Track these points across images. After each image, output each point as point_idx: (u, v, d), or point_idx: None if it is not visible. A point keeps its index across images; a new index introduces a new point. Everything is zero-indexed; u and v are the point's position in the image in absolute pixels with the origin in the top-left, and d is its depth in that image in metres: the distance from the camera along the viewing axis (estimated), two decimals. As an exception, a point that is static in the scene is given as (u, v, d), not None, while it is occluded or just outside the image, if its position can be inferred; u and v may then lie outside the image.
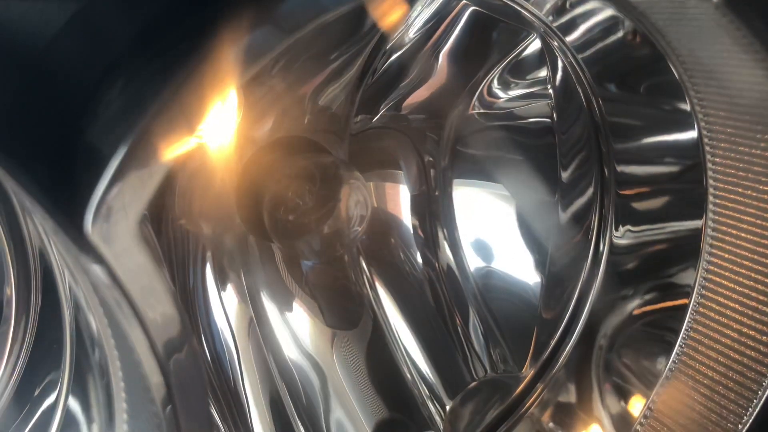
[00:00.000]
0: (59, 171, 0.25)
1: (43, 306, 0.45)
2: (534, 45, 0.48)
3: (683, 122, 0.40)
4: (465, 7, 0.48)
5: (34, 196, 0.24)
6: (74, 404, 0.43)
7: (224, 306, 0.50)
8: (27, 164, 0.25)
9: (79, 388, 0.40)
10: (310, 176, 0.51)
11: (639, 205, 0.48)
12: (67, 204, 0.24)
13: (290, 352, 0.51)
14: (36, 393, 0.44)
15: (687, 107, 0.39)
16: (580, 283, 0.49)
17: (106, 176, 0.25)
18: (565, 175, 0.50)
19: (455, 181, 0.53)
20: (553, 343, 0.49)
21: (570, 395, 0.49)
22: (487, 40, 0.50)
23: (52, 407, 0.43)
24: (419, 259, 0.54)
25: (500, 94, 0.51)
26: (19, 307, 0.46)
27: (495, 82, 0.51)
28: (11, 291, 0.46)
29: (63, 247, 0.26)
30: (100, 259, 0.24)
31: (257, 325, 0.50)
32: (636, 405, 0.46)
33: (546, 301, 0.51)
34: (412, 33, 0.50)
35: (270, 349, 0.50)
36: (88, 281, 0.25)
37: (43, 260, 0.45)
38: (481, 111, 0.52)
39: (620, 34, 0.40)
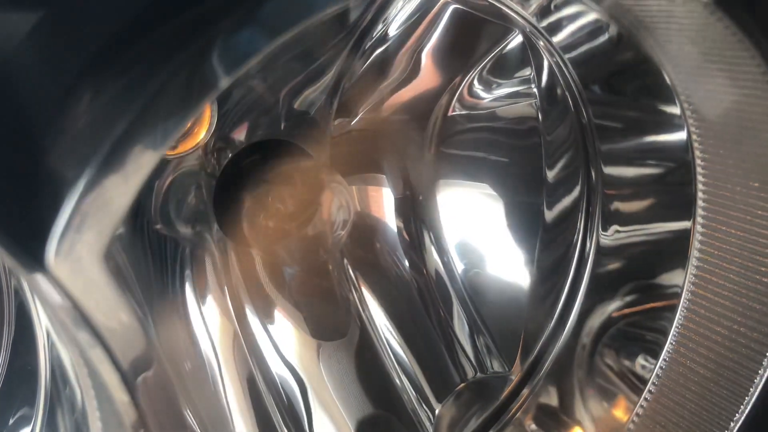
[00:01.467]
0: (18, 199, 0.24)
1: (16, 331, 0.44)
2: (516, 44, 0.47)
3: (672, 123, 0.40)
4: (446, 5, 0.47)
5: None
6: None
7: (204, 316, 0.49)
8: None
9: (50, 422, 0.39)
10: (291, 180, 0.50)
11: (626, 206, 0.47)
12: (26, 236, 0.23)
13: (275, 364, 0.50)
14: (9, 424, 0.43)
15: (676, 109, 0.39)
16: (567, 284, 0.49)
17: (69, 204, 0.23)
18: (550, 175, 0.49)
19: (439, 182, 0.52)
20: (539, 346, 0.49)
21: (552, 398, 0.49)
22: (469, 39, 0.49)
23: None
24: (406, 263, 0.53)
25: (482, 94, 0.51)
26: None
27: (476, 81, 0.50)
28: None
29: (26, 283, 0.24)
30: (64, 294, 0.23)
31: (241, 336, 0.50)
32: (620, 407, 0.46)
33: (533, 302, 0.50)
34: (392, 30, 0.49)
35: (255, 361, 0.50)
36: (54, 317, 0.24)
37: (17, 296, 0.44)
38: (464, 112, 0.51)
39: (607, 35, 0.39)
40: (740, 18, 0.31)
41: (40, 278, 0.23)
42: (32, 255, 0.22)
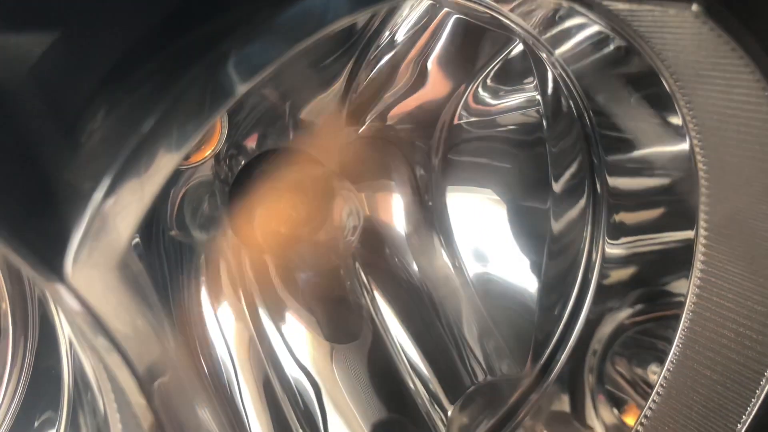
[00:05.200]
0: (36, 212, 0.25)
1: (40, 338, 0.45)
2: (520, 51, 0.48)
3: (675, 134, 0.40)
4: (449, 15, 0.48)
5: (8, 241, 0.23)
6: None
7: (219, 321, 0.50)
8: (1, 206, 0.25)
9: (73, 426, 0.40)
10: (302, 187, 0.51)
11: (632, 216, 0.47)
12: (45, 247, 0.24)
13: (289, 366, 0.51)
14: (35, 427, 0.44)
15: (678, 119, 0.39)
16: (574, 292, 0.49)
17: (87, 213, 0.24)
18: (556, 186, 0.50)
19: (448, 188, 0.53)
20: (547, 352, 0.49)
21: (563, 404, 0.49)
22: (473, 47, 0.49)
23: None
24: (416, 267, 0.54)
25: (488, 101, 0.51)
26: (17, 327, 0.46)
27: (481, 89, 0.51)
28: (6, 305, 0.46)
29: (44, 292, 0.26)
30: (82, 303, 0.24)
31: (256, 339, 0.50)
32: (630, 414, 0.46)
33: (541, 310, 0.51)
34: (397, 39, 0.50)
35: (270, 363, 0.50)
36: (73, 324, 0.25)
37: (41, 305, 0.45)
38: (470, 119, 0.52)
39: (611, 47, 0.40)
40: (732, 27, 0.31)
41: (58, 287, 0.24)
42: (51, 265, 0.23)
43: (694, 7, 0.31)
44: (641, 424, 0.45)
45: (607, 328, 0.48)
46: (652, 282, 0.46)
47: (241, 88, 0.26)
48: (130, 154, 0.26)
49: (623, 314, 0.48)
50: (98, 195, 0.25)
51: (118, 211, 0.25)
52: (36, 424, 0.44)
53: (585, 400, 0.49)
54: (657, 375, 0.44)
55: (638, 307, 0.47)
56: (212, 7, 0.30)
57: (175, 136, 0.26)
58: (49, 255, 0.24)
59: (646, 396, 0.45)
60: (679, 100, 0.38)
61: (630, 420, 0.46)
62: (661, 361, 0.44)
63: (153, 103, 0.27)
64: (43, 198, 0.26)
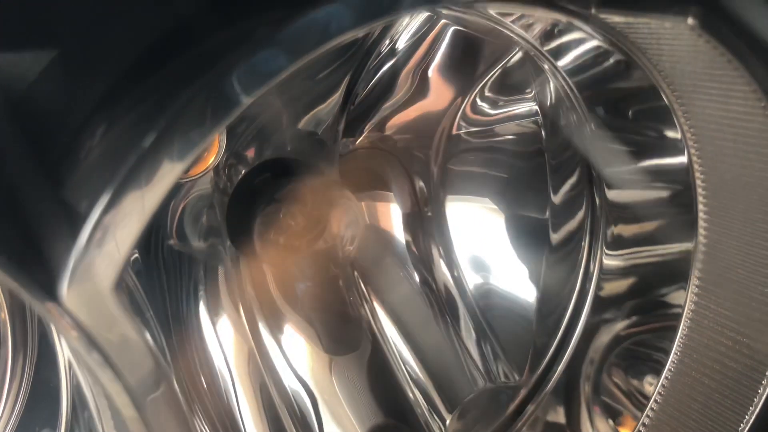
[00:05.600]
0: (31, 233, 0.25)
1: (39, 352, 0.45)
2: (518, 61, 0.48)
3: (673, 147, 0.40)
4: (448, 25, 0.48)
5: (3, 266, 0.23)
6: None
7: (217, 332, 0.50)
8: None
9: None
10: (301, 197, 0.51)
11: (630, 229, 0.48)
12: (39, 269, 0.24)
13: (287, 378, 0.51)
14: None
15: (677, 132, 0.39)
16: (572, 303, 0.49)
17: (85, 231, 0.24)
18: (555, 198, 0.50)
19: (448, 198, 0.53)
20: (544, 362, 0.50)
21: (559, 415, 0.49)
22: (471, 58, 0.50)
23: None
24: (416, 277, 0.54)
25: (487, 111, 0.51)
26: (16, 340, 0.46)
27: (479, 99, 0.51)
28: (5, 315, 0.46)
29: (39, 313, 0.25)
30: (76, 326, 0.24)
31: (255, 350, 0.50)
32: (626, 425, 0.46)
33: (539, 320, 0.51)
34: (396, 49, 0.50)
35: (269, 374, 0.50)
36: (68, 345, 0.25)
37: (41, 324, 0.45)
38: (469, 129, 0.52)
39: (612, 60, 0.40)
40: (727, 38, 0.31)
41: (52, 308, 0.24)
42: (45, 288, 0.23)
43: (690, 20, 0.32)
44: (639, 431, 0.45)
45: (603, 339, 0.48)
46: (649, 293, 0.47)
47: (245, 100, 0.26)
48: (132, 166, 0.25)
49: (620, 325, 0.48)
50: (98, 209, 0.25)
51: (117, 223, 0.25)
52: None
53: (581, 411, 0.49)
54: (654, 383, 0.44)
55: (635, 318, 0.47)
56: (216, 22, 0.30)
57: (177, 148, 0.25)
58: (42, 277, 0.24)
59: (641, 407, 0.45)
60: (676, 111, 0.38)
61: (626, 431, 0.46)
62: (658, 373, 0.45)
63: (154, 117, 0.27)
64: (38, 219, 0.26)
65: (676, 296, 0.44)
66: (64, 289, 0.23)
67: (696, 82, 0.36)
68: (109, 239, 0.25)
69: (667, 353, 0.44)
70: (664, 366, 0.44)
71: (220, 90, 0.26)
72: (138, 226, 0.26)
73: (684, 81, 0.36)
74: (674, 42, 0.33)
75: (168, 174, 0.26)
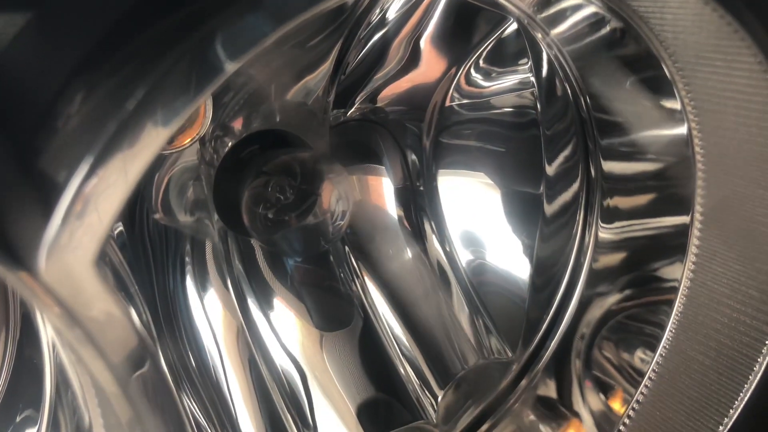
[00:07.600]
0: (7, 204, 0.24)
1: (22, 330, 0.44)
2: (513, 31, 0.47)
3: (670, 118, 0.39)
4: (442, -8, 0.47)
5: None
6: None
7: (205, 308, 0.49)
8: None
9: (54, 425, 0.40)
10: (290, 171, 0.50)
11: (626, 201, 0.47)
12: (15, 242, 0.23)
13: (277, 354, 0.50)
14: (16, 421, 0.43)
15: (677, 103, 0.38)
16: (566, 276, 0.49)
17: (64, 201, 0.23)
18: (550, 169, 0.49)
19: (440, 172, 0.52)
20: (538, 336, 0.49)
21: (550, 389, 0.49)
22: (466, 25, 0.49)
23: None
24: (408, 253, 0.53)
25: (481, 83, 0.50)
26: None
27: (474, 70, 0.50)
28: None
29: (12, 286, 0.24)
30: (56, 298, 0.23)
31: (244, 327, 0.50)
32: (617, 399, 0.46)
33: (532, 294, 0.50)
34: (388, 17, 0.48)
35: (258, 350, 0.50)
36: (49, 321, 0.24)
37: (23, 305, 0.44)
38: (462, 101, 0.51)
39: (608, 28, 0.39)
40: (735, 7, 0.30)
41: (25, 277, 0.22)
42: (21, 260, 0.22)
43: (696, -14, 0.31)
44: (633, 408, 0.45)
45: (596, 313, 0.48)
46: (644, 267, 0.46)
47: (230, 67, 0.25)
48: (114, 132, 0.24)
49: (613, 299, 0.48)
50: (78, 177, 0.24)
51: (99, 193, 0.24)
52: (18, 419, 0.43)
53: (572, 386, 0.49)
54: (649, 360, 0.44)
55: (628, 291, 0.47)
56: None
57: (160, 114, 0.24)
58: (20, 249, 0.23)
59: (633, 381, 0.45)
60: (677, 83, 0.37)
61: (617, 405, 0.46)
62: (649, 347, 0.44)
63: (136, 84, 0.26)
64: (15, 190, 0.24)
65: (670, 270, 0.44)
66: (42, 261, 0.22)
67: (699, 52, 0.35)
68: (90, 210, 0.24)
69: (661, 327, 0.43)
70: (656, 340, 0.44)
71: (204, 55, 0.25)
72: (121, 196, 0.25)
73: (686, 51, 0.35)
74: (678, 10, 0.32)
75: (152, 140, 0.25)
